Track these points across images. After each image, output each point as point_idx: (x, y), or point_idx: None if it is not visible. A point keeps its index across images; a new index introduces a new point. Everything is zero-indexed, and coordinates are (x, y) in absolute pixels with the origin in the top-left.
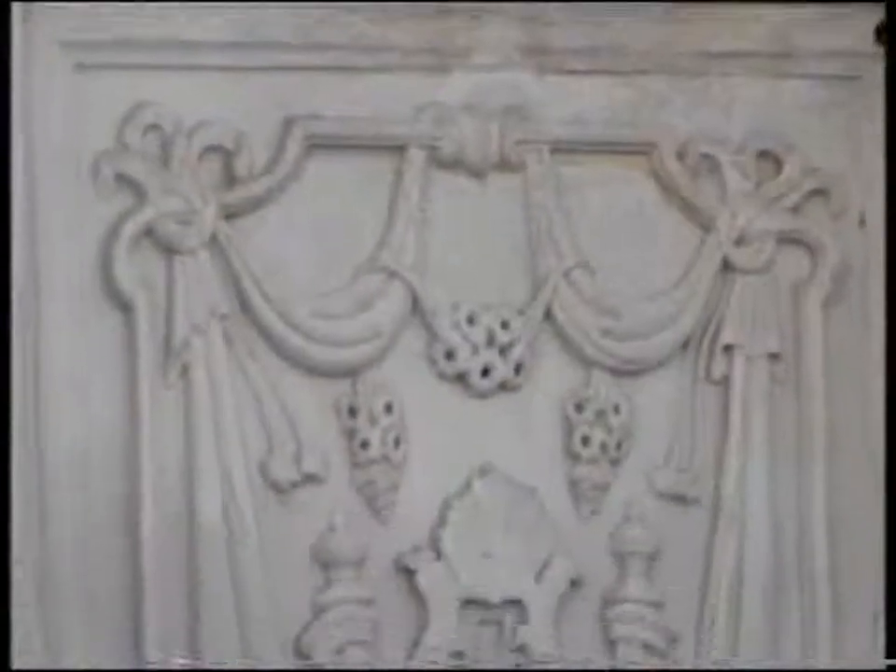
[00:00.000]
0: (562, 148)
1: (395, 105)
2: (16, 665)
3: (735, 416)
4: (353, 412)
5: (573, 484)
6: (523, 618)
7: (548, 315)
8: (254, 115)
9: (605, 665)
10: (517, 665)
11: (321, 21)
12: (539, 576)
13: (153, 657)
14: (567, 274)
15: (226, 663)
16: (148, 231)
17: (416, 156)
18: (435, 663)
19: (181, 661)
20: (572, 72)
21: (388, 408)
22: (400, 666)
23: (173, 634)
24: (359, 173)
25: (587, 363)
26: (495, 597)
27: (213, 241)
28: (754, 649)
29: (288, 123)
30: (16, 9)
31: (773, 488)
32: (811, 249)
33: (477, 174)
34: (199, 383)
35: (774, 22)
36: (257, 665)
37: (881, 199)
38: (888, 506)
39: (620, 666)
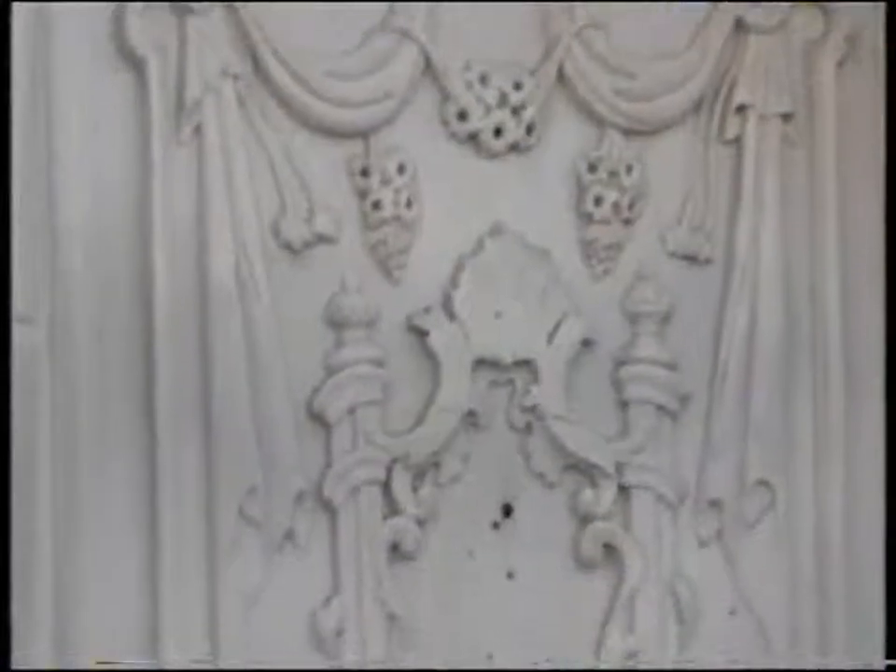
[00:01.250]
0: None
1: None
2: (16, 421)
3: (748, 176)
4: (365, 172)
5: (585, 245)
6: (534, 378)
7: (560, 75)
8: None
9: (616, 426)
10: (528, 423)
11: None
12: (550, 336)
13: (165, 417)
14: (579, 34)
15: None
16: None
17: None
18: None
19: None
20: None
21: (401, 168)
22: (411, 426)
23: (185, 395)
24: None
25: (599, 123)
26: (506, 358)
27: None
28: (766, 409)
29: None
30: None
31: (785, 248)
32: (825, 10)
33: None
34: (211, 142)
35: None
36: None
37: None
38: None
39: (632, 427)
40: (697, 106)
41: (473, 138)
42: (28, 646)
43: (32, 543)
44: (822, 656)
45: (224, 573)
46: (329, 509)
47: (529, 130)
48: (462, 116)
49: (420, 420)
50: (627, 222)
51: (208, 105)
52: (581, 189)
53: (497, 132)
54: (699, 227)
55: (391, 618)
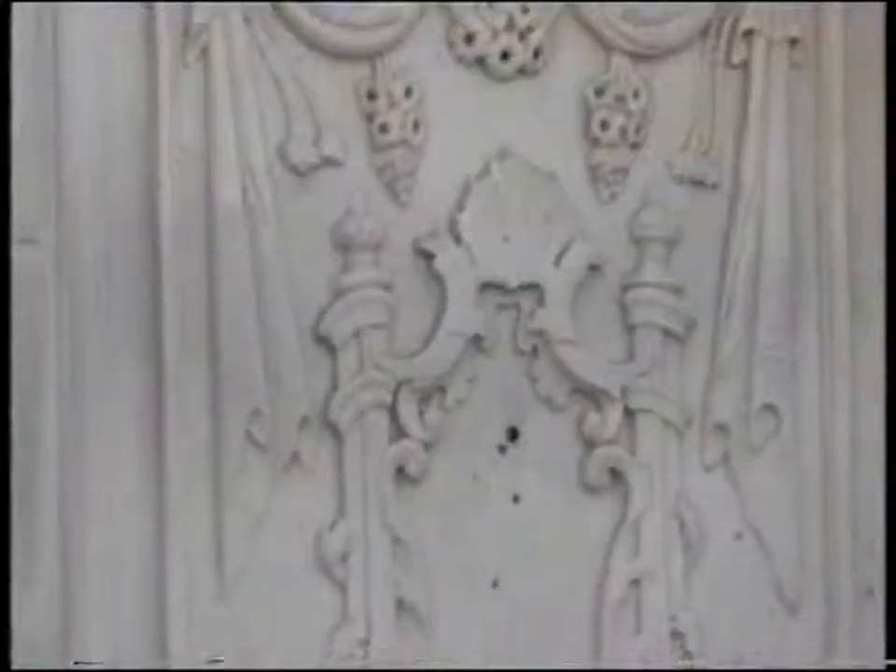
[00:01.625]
0: None
1: None
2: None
3: (755, 101)
4: (372, 95)
5: (592, 169)
6: (540, 302)
7: None
8: None
9: (622, 351)
10: (534, 347)
11: None
12: (557, 260)
13: (172, 341)
14: None
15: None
16: None
17: None
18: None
19: None
20: None
21: (408, 91)
22: (417, 349)
23: (192, 319)
24: None
25: (607, 48)
26: (513, 281)
27: None
28: (771, 334)
29: None
30: None
31: (791, 173)
32: None
33: None
34: (218, 65)
35: None
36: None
37: None
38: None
39: (638, 351)
40: (704, 31)
41: (480, 62)
42: (33, 565)
43: (36, 468)
44: (826, 578)
45: (230, 496)
46: (334, 432)
47: (536, 54)
48: (469, 39)
49: (426, 344)
50: (634, 146)
51: (215, 28)
52: (587, 113)
53: (505, 55)
54: (706, 152)
55: (396, 541)
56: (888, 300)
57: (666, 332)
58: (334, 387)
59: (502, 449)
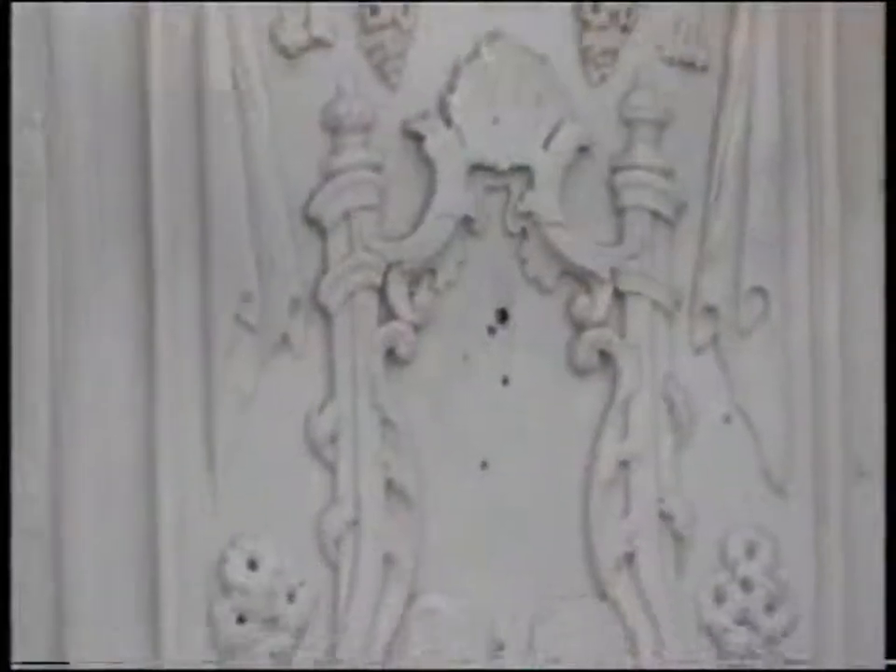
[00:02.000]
0: None
1: None
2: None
3: None
4: None
5: (583, 51)
6: (530, 184)
7: None
8: None
9: (612, 233)
10: (523, 229)
11: None
12: (547, 142)
13: (161, 225)
14: None
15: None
16: None
17: None
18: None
19: None
20: None
21: None
22: (407, 231)
23: (181, 204)
24: None
25: None
26: (502, 163)
27: None
28: (761, 217)
29: None
30: None
31: (782, 54)
32: None
33: None
34: None
35: None
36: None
37: None
38: None
39: (627, 233)
40: None
41: None
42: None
43: (31, 353)
44: (815, 460)
45: (220, 379)
46: (324, 314)
47: None
48: None
49: (416, 226)
50: (624, 29)
51: None
52: None
53: None
54: (696, 33)
55: (385, 423)
56: (886, 184)
57: (656, 215)
58: (324, 269)
59: (492, 330)
